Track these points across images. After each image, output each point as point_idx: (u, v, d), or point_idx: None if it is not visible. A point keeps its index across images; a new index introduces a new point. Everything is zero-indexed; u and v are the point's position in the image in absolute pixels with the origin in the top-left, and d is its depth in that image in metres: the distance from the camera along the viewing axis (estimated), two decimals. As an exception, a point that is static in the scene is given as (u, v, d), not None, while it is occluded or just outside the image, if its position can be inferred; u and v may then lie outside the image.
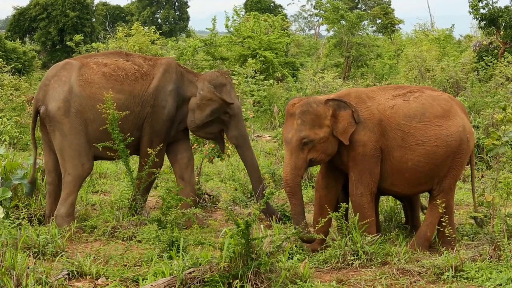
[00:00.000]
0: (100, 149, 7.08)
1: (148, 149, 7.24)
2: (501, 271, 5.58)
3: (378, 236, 6.40)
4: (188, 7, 53.07)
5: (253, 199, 8.37)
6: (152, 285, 5.20)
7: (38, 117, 7.21)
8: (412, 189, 6.72)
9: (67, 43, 27.12)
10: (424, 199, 7.96)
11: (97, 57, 7.47)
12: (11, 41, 29.85)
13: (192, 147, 9.04)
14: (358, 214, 6.46)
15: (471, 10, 21.67)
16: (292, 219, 6.68)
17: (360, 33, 26.03)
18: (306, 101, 6.59)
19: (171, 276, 5.29)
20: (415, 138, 6.46)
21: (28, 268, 5.21)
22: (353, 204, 6.59)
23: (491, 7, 21.55)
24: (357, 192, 6.51)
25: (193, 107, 7.62)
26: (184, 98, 7.60)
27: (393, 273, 5.78)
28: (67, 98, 7.03)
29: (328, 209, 6.49)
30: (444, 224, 6.35)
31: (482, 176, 9.67)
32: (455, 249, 6.02)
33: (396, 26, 41.15)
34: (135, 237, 6.77)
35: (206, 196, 8.61)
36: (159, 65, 7.51)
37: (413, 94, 6.66)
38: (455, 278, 5.61)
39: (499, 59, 20.25)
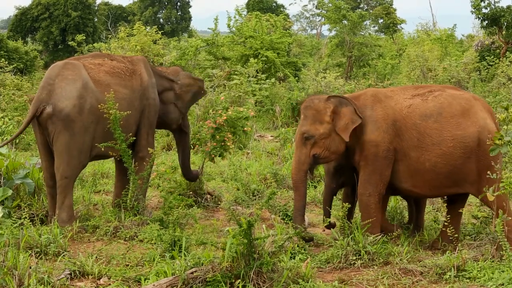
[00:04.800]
0: (103, 149, 7.13)
1: (149, 149, 7.47)
2: (503, 271, 5.58)
3: (380, 236, 6.40)
4: (190, 7, 53.04)
5: (255, 199, 8.37)
6: (154, 285, 5.21)
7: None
8: (434, 191, 6.62)
9: (69, 43, 27.11)
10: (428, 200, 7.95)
11: (86, 58, 7.57)
12: (13, 41, 29.86)
13: (195, 146, 9.07)
14: (363, 213, 6.48)
15: (473, 10, 21.65)
16: (293, 214, 6.76)
17: (362, 33, 26.00)
18: (310, 97, 6.77)
19: (173, 276, 5.30)
20: (431, 138, 6.38)
21: (30, 268, 5.21)
22: (360, 203, 6.60)
23: (493, 7, 21.53)
24: (365, 191, 6.51)
25: (172, 99, 8.10)
26: (158, 90, 7.94)
27: (395, 273, 5.78)
28: (83, 95, 7.02)
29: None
30: (446, 224, 6.35)
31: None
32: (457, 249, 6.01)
33: (398, 26, 41.07)
34: (137, 237, 6.78)
35: (208, 195, 8.62)
36: (137, 61, 7.84)
37: (433, 93, 6.56)
38: (457, 278, 5.61)
39: (501, 59, 20.24)
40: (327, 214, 6.84)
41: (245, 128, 9.00)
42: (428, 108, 6.45)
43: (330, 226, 6.80)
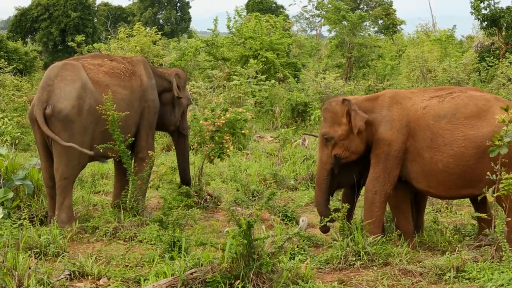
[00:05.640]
0: (101, 150, 7.14)
1: (149, 151, 7.50)
2: (502, 272, 5.57)
3: (380, 237, 6.41)
4: (190, 7, 53.01)
5: (255, 200, 8.37)
6: (153, 285, 5.20)
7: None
8: (450, 192, 6.58)
9: (69, 43, 27.14)
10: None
11: (85, 59, 7.56)
12: (12, 41, 29.87)
13: (193, 147, 9.08)
14: (366, 210, 6.56)
15: (473, 11, 21.67)
16: (316, 208, 7.10)
17: (361, 34, 26.05)
18: (329, 100, 6.99)
19: (173, 277, 5.30)
20: (443, 138, 6.37)
21: (29, 268, 5.21)
22: (365, 200, 6.67)
23: (493, 8, 21.56)
24: (372, 188, 6.57)
25: (171, 100, 8.07)
26: (158, 91, 7.93)
27: (394, 274, 5.77)
28: (81, 96, 7.02)
29: (404, 207, 6.76)
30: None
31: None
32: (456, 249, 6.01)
33: (398, 27, 41.13)
34: (136, 238, 6.77)
35: (208, 196, 8.61)
36: (137, 62, 7.84)
37: (452, 94, 6.56)
38: (456, 279, 5.60)
39: (500, 60, 20.27)
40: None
41: (243, 131, 9.00)
42: (442, 109, 6.46)
43: (325, 229, 6.83)
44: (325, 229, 6.86)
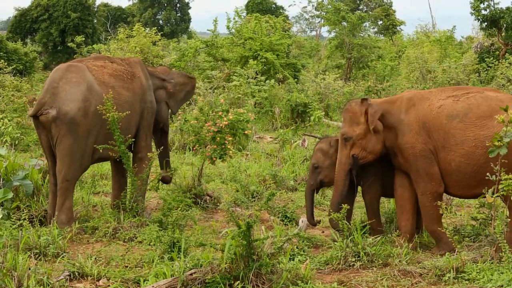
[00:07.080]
0: (101, 150, 7.13)
1: (148, 153, 7.54)
2: (502, 273, 5.57)
3: (380, 237, 6.42)
4: (190, 8, 53.03)
5: (254, 200, 8.37)
6: (153, 286, 5.21)
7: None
8: (466, 191, 6.65)
9: (69, 44, 27.12)
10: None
11: (88, 61, 7.54)
12: (12, 42, 29.85)
13: (193, 148, 9.07)
14: (422, 211, 6.68)
15: (473, 11, 21.66)
16: (330, 207, 7.11)
17: (361, 35, 26.03)
18: (349, 101, 7.14)
19: (172, 277, 5.30)
20: (454, 138, 6.42)
21: (29, 269, 5.21)
22: (419, 203, 6.73)
23: (493, 8, 21.54)
24: (418, 191, 6.64)
25: (163, 98, 8.12)
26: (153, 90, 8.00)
27: (394, 275, 5.78)
28: (88, 98, 7.00)
29: (408, 207, 6.76)
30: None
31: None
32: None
33: (398, 28, 41.14)
34: (136, 238, 6.77)
35: (207, 197, 8.61)
36: (134, 64, 7.86)
37: (468, 94, 6.59)
38: (456, 280, 5.61)
39: (500, 61, 20.26)
40: (310, 212, 7.20)
41: (246, 132, 8.99)
42: (455, 109, 6.49)
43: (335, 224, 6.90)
44: (335, 224, 6.83)
